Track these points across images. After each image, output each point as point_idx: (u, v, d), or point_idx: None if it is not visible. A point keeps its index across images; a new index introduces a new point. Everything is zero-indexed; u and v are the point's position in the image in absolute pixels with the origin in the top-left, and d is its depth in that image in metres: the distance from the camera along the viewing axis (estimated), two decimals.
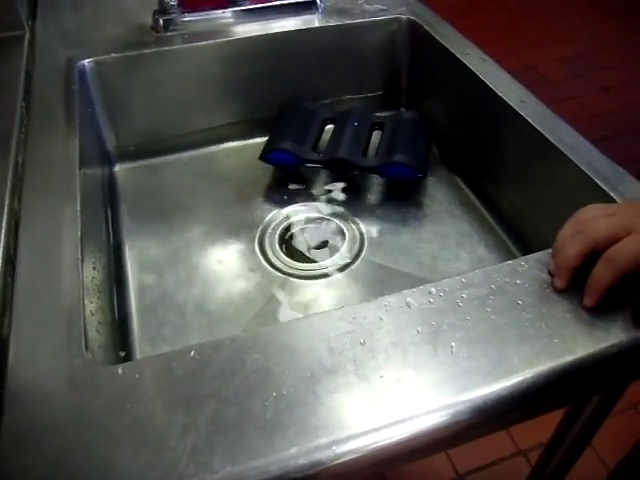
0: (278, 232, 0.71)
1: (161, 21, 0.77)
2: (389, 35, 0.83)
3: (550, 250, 0.47)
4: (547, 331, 0.41)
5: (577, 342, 0.40)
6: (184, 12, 0.79)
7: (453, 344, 0.40)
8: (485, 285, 0.44)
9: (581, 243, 0.43)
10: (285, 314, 0.61)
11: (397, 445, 0.36)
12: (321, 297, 0.64)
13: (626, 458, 0.76)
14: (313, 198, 0.75)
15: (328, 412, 0.37)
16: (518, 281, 0.45)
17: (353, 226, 0.71)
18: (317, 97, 0.85)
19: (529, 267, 0.46)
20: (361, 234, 0.70)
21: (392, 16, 0.83)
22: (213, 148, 0.84)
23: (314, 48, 0.81)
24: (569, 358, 0.40)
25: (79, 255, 0.47)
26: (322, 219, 0.72)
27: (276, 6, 0.82)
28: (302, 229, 0.72)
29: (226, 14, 0.80)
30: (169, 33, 0.78)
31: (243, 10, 0.80)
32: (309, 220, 0.73)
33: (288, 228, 0.71)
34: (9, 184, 0.53)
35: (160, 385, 0.38)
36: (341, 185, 0.77)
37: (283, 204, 0.74)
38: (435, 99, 0.82)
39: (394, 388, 0.38)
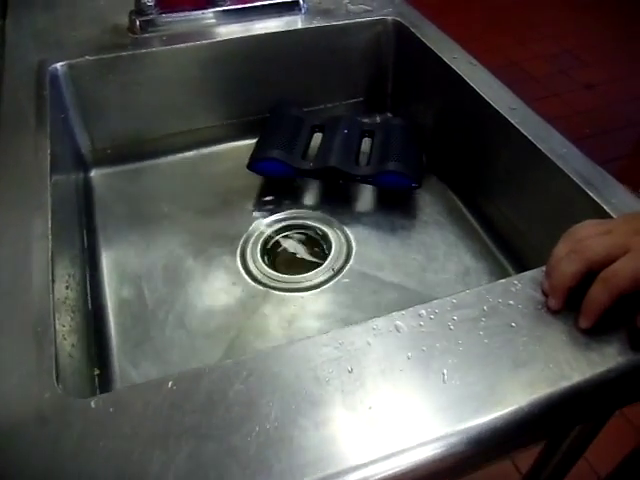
0: (260, 242, 0.68)
1: (138, 22, 0.75)
2: (374, 37, 0.81)
3: (544, 268, 0.45)
4: (542, 355, 0.39)
5: (573, 367, 0.39)
6: (162, 13, 0.76)
7: (445, 371, 0.38)
8: (477, 306, 0.43)
9: (577, 262, 0.42)
10: (269, 329, 0.59)
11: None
12: (306, 310, 0.62)
13: (620, 466, 0.75)
14: (298, 206, 0.73)
15: (315, 447, 0.35)
16: (511, 301, 0.43)
17: (340, 235, 0.69)
18: (301, 101, 0.82)
19: (522, 286, 0.44)
20: (348, 243, 0.68)
21: (377, 17, 0.81)
22: (194, 153, 0.81)
23: (297, 50, 0.79)
24: (565, 384, 0.38)
25: (50, 277, 0.44)
26: (307, 227, 0.70)
27: (258, 7, 0.79)
28: (285, 238, 0.69)
29: (206, 15, 0.77)
30: (146, 35, 0.75)
31: (223, 11, 0.78)
32: (293, 229, 0.70)
33: (271, 238, 0.69)
34: None
35: (136, 419, 0.36)
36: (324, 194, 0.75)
37: (266, 212, 0.72)
38: (422, 104, 0.80)
39: (384, 420, 0.36)
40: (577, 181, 0.54)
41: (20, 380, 0.38)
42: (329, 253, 0.67)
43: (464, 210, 0.72)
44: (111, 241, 0.68)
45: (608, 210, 0.51)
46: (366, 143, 0.76)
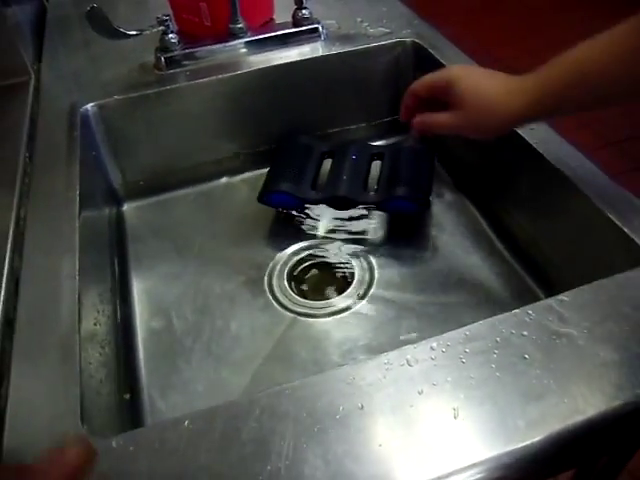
0: (287, 269, 0.69)
1: (163, 59, 0.77)
2: (394, 59, 0.82)
3: (560, 296, 0.45)
4: (555, 389, 0.39)
5: (588, 401, 0.38)
6: (185, 48, 0.78)
7: (455, 406, 0.39)
8: (490, 338, 0.43)
9: None
10: (294, 356, 0.60)
11: None
12: (330, 335, 0.63)
13: None
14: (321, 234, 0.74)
15: None
16: (525, 332, 0.43)
17: (363, 260, 0.70)
18: (322, 127, 0.84)
19: (537, 316, 0.44)
20: (370, 268, 0.69)
21: (396, 40, 0.81)
22: (220, 182, 0.83)
23: (318, 77, 0.80)
24: (579, 419, 0.38)
25: (76, 317, 0.46)
26: (331, 254, 0.71)
27: (278, 36, 0.81)
28: (311, 265, 0.70)
29: (227, 47, 0.79)
30: (171, 70, 0.78)
31: (244, 42, 0.80)
32: (317, 256, 0.71)
33: (297, 265, 0.70)
34: (10, 240, 0.54)
35: (154, 458, 0.37)
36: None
37: (291, 240, 0.73)
38: None
39: (393, 457, 0.36)
40: (598, 204, 0.53)
41: (48, 420, 0.40)
42: (353, 279, 0.67)
43: (488, 231, 0.71)
44: (142, 272, 0.71)
45: (628, 232, 0.50)
46: (375, 167, 0.76)
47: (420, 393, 0.40)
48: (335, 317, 0.64)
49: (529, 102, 0.51)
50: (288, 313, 0.65)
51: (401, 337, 0.61)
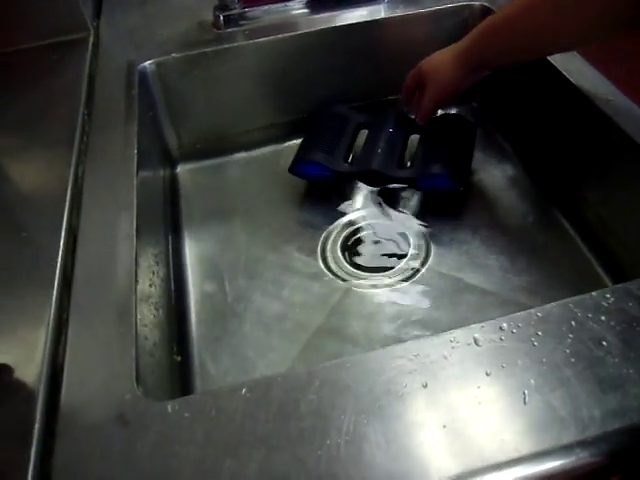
0: (341, 238, 0.68)
1: (221, 17, 0.75)
2: (460, 23, 0.77)
3: None
4: (636, 379, 0.36)
5: None
6: (245, 7, 0.76)
7: (526, 391, 0.36)
8: (564, 321, 0.40)
9: None
10: (346, 329, 0.59)
11: None
12: (383, 309, 0.61)
13: None
14: (379, 203, 0.72)
15: (386, 465, 0.34)
16: (603, 317, 0.40)
17: (419, 234, 0.67)
18: (369, 95, 0.81)
19: (616, 300, 0.41)
20: (427, 242, 0.66)
21: (464, 3, 0.77)
22: (276, 147, 0.82)
23: (377, 41, 0.77)
24: None
25: (133, 277, 0.46)
26: (388, 226, 0.69)
27: None
28: (366, 235, 0.68)
29: (287, 7, 0.77)
30: (230, 29, 0.76)
31: (305, 3, 0.77)
32: (373, 226, 0.69)
33: (352, 234, 0.68)
34: (68, 198, 0.53)
35: (209, 426, 0.36)
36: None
37: (347, 209, 0.71)
38: (506, 93, 0.76)
39: (458, 439, 0.35)
40: None
41: (103, 380, 0.39)
42: (408, 252, 0.65)
43: (554, 211, 0.68)
44: (194, 235, 0.70)
45: None
46: (413, 142, 0.72)
47: (488, 374, 0.38)
48: (389, 290, 0.62)
49: (462, 59, 0.62)
50: (341, 283, 0.63)
51: (458, 316, 0.59)
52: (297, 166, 0.70)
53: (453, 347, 0.39)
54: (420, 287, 0.62)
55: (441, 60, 0.65)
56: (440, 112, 0.73)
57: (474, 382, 0.37)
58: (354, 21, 0.76)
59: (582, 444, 0.34)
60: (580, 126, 0.62)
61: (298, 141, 0.81)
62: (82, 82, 0.67)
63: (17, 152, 0.61)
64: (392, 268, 0.64)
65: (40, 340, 0.42)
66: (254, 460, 0.34)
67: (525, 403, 0.36)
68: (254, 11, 0.77)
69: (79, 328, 0.43)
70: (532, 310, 0.41)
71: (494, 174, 0.73)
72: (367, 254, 0.67)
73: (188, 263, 0.67)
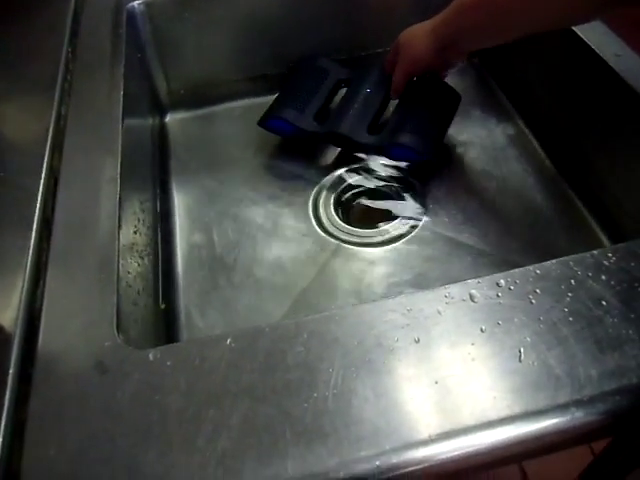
0: (334, 194, 0.66)
1: None
2: None
3: None
4: (636, 339, 0.35)
5: None
6: None
7: (521, 349, 0.35)
8: (563, 279, 0.39)
9: None
10: (337, 285, 0.57)
11: (448, 461, 0.32)
12: (376, 267, 0.59)
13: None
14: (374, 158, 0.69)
15: (374, 420, 0.33)
16: (603, 277, 0.39)
17: (415, 192, 0.65)
18: (358, 45, 0.78)
19: (617, 259, 0.39)
20: (423, 201, 0.64)
21: None
22: (270, 98, 0.78)
23: None
24: None
25: (116, 222, 0.44)
26: (382, 182, 0.67)
27: None
28: (359, 192, 0.66)
29: None
30: None
31: None
32: (367, 182, 0.67)
33: (345, 190, 0.66)
34: (50, 139, 0.51)
35: (192, 375, 0.35)
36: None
37: (341, 164, 0.69)
38: (509, 49, 0.73)
39: (449, 396, 0.34)
40: None
41: (82, 327, 0.38)
42: (403, 211, 0.63)
43: (554, 171, 0.66)
44: (183, 185, 0.68)
45: None
46: (391, 106, 0.68)
47: (483, 331, 0.36)
48: (382, 248, 0.61)
49: (436, 34, 0.59)
50: (333, 240, 0.62)
51: (453, 275, 0.57)
52: (266, 120, 0.68)
53: (447, 303, 0.38)
54: (414, 246, 0.61)
55: (416, 33, 0.62)
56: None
57: (468, 338, 0.36)
58: None
59: (578, 403, 0.33)
60: (586, 83, 0.60)
61: None
62: (67, 17, 0.64)
63: None
64: (386, 225, 0.62)
65: (17, 284, 0.40)
66: (238, 411, 0.33)
67: (520, 361, 0.35)
68: None
69: (58, 273, 0.41)
70: (530, 267, 0.39)
71: (494, 133, 0.71)
72: (361, 210, 0.65)
73: (176, 213, 0.65)
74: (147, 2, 0.68)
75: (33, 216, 0.44)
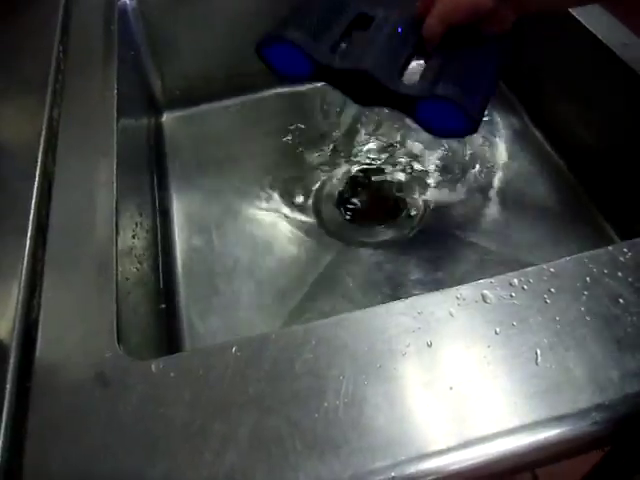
0: (336, 192, 0.64)
1: None
2: None
3: None
4: None
5: None
6: None
7: (538, 351, 0.34)
8: (579, 277, 0.37)
9: None
10: (340, 287, 0.56)
11: (466, 471, 0.31)
12: (380, 267, 0.58)
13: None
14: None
15: (387, 429, 0.31)
16: (619, 273, 0.37)
17: (417, 187, 0.64)
18: None
19: (634, 255, 0.38)
20: (424, 198, 0.63)
21: None
22: (267, 93, 0.77)
23: None
24: None
25: (113, 227, 0.42)
26: (383, 180, 0.65)
27: None
28: (363, 190, 0.65)
29: None
30: None
31: None
32: (371, 180, 0.66)
33: (347, 188, 0.65)
34: (42, 142, 0.49)
35: (197, 386, 0.33)
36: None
37: (341, 163, 0.67)
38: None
39: (465, 402, 0.32)
40: None
41: (81, 337, 0.36)
42: (405, 207, 0.62)
43: (561, 164, 0.64)
44: (182, 187, 0.66)
45: None
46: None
47: (497, 333, 0.35)
48: (386, 247, 0.59)
49: None
50: (334, 240, 0.60)
51: (460, 275, 0.56)
52: (266, 44, 0.49)
53: (459, 304, 0.37)
54: (419, 245, 0.59)
55: None
56: None
57: (483, 341, 0.35)
58: None
59: (599, 408, 0.32)
60: (592, 72, 0.59)
61: (291, 88, 0.77)
62: (57, 14, 0.62)
63: None
64: (390, 222, 0.61)
65: (12, 293, 0.38)
66: (245, 423, 0.32)
67: (537, 364, 0.33)
68: None
69: (55, 281, 0.40)
70: (544, 265, 0.38)
71: (499, 127, 0.70)
72: (364, 209, 0.64)
73: (175, 215, 0.63)
74: None
75: (27, 222, 0.42)
